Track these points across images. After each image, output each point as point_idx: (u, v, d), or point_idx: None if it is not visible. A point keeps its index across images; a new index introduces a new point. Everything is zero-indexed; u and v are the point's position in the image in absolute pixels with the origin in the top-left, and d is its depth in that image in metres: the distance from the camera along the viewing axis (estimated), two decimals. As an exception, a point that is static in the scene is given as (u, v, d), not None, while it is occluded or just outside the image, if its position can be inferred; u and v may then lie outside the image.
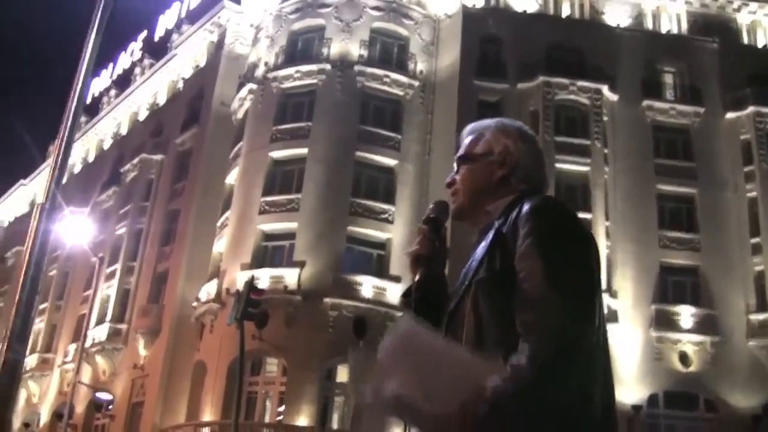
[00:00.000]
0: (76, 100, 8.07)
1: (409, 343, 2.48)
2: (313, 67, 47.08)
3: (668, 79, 47.72)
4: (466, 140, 3.05)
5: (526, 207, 2.61)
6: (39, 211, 7.41)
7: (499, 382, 2.31)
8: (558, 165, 42.29)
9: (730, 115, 45.37)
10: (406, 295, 3.02)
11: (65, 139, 7.87)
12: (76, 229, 43.60)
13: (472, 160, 2.98)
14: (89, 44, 8.33)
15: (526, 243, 2.52)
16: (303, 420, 39.46)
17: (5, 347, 6.74)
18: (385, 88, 46.91)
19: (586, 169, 42.93)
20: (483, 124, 3.07)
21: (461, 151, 3.03)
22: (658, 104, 45.89)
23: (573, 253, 2.50)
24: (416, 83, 47.26)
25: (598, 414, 2.44)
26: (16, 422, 59.14)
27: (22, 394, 60.02)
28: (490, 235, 2.70)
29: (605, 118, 44.59)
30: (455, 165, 3.04)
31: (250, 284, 28.84)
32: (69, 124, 7.94)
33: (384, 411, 2.51)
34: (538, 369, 2.31)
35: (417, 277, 2.97)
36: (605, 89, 44.89)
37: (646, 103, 45.63)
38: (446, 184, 3.04)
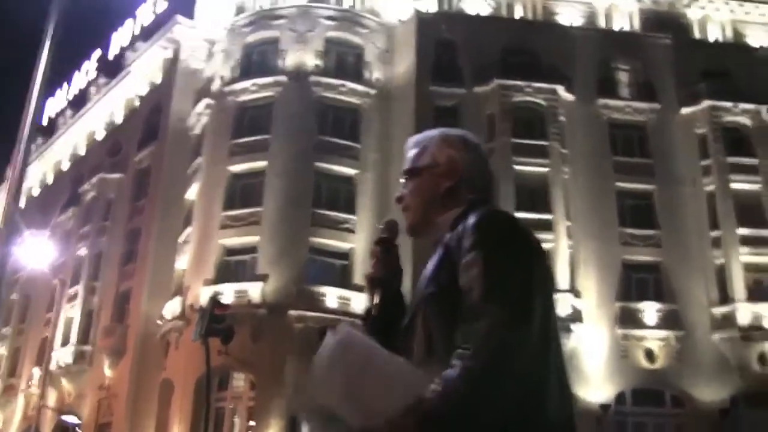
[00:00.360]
0: (29, 122, 7.96)
1: (344, 352, 2.46)
2: (269, 79, 47.00)
3: (623, 76, 47.93)
4: (410, 153, 3.03)
5: (470, 220, 2.61)
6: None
7: (429, 395, 2.32)
8: (516, 167, 42.55)
9: (685, 110, 45.64)
10: (365, 318, 2.99)
11: (20, 162, 7.76)
12: (35, 252, 43.21)
13: (417, 173, 2.96)
14: (41, 63, 8.24)
15: (468, 257, 2.51)
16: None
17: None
18: (342, 97, 46.90)
19: (545, 169, 43.12)
20: (426, 135, 3.07)
21: (406, 165, 3.01)
22: (613, 102, 46.13)
23: (513, 265, 2.49)
24: (373, 91, 47.27)
25: (541, 428, 2.42)
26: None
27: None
28: (439, 249, 2.70)
29: (562, 119, 44.74)
30: (402, 180, 3.02)
31: (214, 300, 28.50)
32: (23, 147, 7.82)
33: (317, 422, 2.50)
34: (467, 381, 2.31)
35: (375, 299, 2.96)
36: (561, 90, 45.07)
37: (601, 101, 45.88)
38: (396, 199, 3.02)
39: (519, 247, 2.56)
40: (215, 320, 27.25)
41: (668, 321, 41.19)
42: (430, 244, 2.86)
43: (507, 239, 2.56)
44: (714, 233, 42.80)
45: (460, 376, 2.31)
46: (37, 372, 50.70)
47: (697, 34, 50.80)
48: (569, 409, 2.57)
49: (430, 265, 2.72)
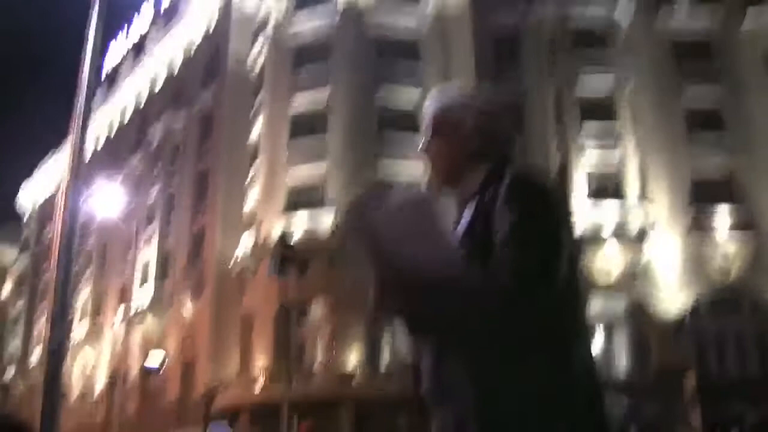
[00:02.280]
0: (88, 64, 8.06)
1: (419, 208, 2.55)
2: (324, 22, 47.00)
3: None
4: (432, 113, 2.98)
5: (506, 179, 2.64)
6: (63, 191, 7.47)
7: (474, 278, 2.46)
8: (581, 83, 42.14)
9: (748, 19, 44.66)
10: None
11: (82, 113, 7.88)
12: (108, 199, 43.91)
13: (444, 134, 2.91)
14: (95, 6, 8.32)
15: (503, 215, 2.57)
16: (353, 359, 39.89)
17: (49, 328, 6.89)
18: (399, 24, 46.75)
19: (609, 83, 42.61)
20: (446, 93, 3.02)
21: (430, 124, 2.96)
22: (674, 12, 45.16)
23: (545, 220, 2.56)
24: (429, 18, 46.94)
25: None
26: (76, 389, 60.19)
27: (78, 362, 60.95)
28: (472, 208, 2.74)
29: (623, 36, 44.08)
30: (426, 137, 2.97)
31: (284, 235, 29.22)
32: (83, 98, 7.94)
33: (358, 238, 2.56)
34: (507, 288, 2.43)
35: None
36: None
37: (662, 11, 44.97)
38: (422, 150, 2.98)
39: (550, 205, 2.61)
40: (287, 254, 27.92)
41: (743, 225, 40.75)
42: (457, 201, 2.89)
43: (538, 198, 2.60)
44: (784, 136, 42.10)
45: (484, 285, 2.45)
46: (121, 312, 51.77)
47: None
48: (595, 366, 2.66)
49: (464, 222, 2.75)
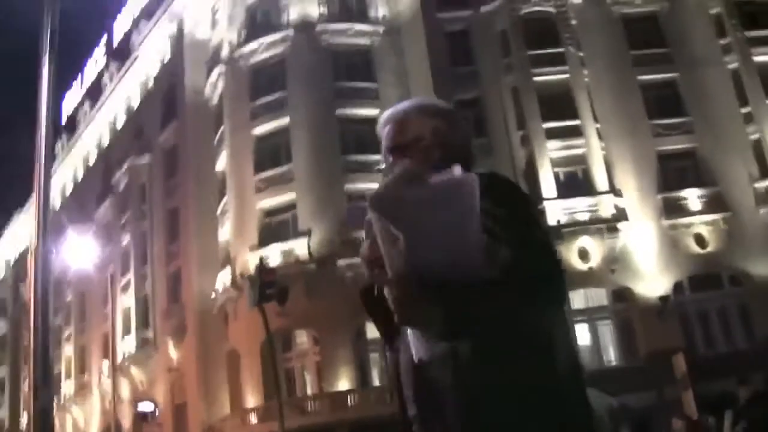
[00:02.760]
0: (44, 117, 7.94)
1: (456, 188, 2.51)
2: (277, 36, 46.98)
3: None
4: (388, 129, 2.99)
5: None
6: (33, 254, 7.36)
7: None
8: (536, 78, 42.31)
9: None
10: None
11: (43, 169, 7.75)
12: (81, 250, 43.66)
13: (404, 148, 2.92)
14: (45, 56, 8.21)
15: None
16: (344, 384, 39.85)
17: (32, 396, 6.78)
18: (351, 40, 46.90)
19: (565, 76, 42.79)
20: (400, 110, 3.02)
21: (389, 143, 2.97)
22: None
23: (524, 218, 2.59)
24: (381, 29, 47.13)
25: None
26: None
27: (69, 421, 60.50)
28: None
29: (574, 22, 44.27)
30: (386, 156, 2.98)
31: (260, 267, 29.15)
32: (43, 153, 7.82)
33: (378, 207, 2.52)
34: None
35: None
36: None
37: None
38: (385, 169, 2.99)
39: (523, 203, 2.66)
40: (266, 286, 27.84)
41: (713, 204, 41.06)
42: None
43: (510, 198, 2.63)
44: (744, 109, 42.38)
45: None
46: (106, 366, 51.46)
47: None
48: (578, 361, 2.71)
49: None
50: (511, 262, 2.42)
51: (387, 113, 3.04)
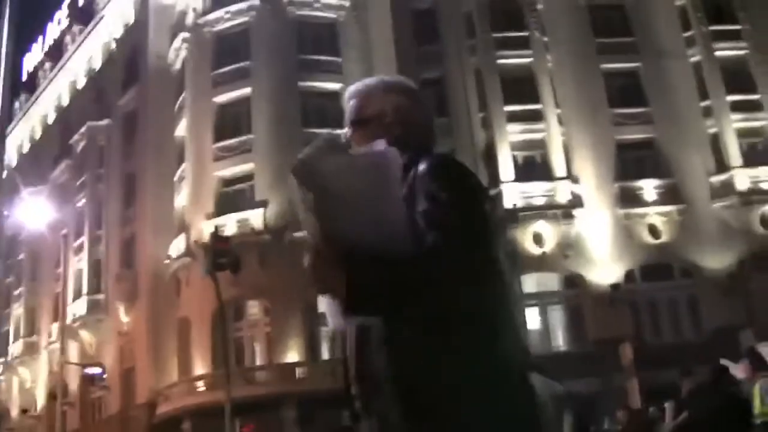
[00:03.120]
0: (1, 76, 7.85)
1: (375, 160, 2.56)
2: (242, 5, 46.62)
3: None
4: (352, 103, 3.03)
5: (421, 166, 2.66)
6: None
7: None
8: (500, 61, 42.41)
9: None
10: None
11: None
12: (35, 210, 43.39)
13: (365, 123, 2.97)
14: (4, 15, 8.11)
15: (422, 201, 2.57)
16: (293, 356, 39.89)
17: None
18: (317, 13, 46.72)
19: (528, 60, 42.90)
20: (366, 84, 3.07)
21: (352, 116, 3.01)
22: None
23: (462, 203, 2.57)
24: (347, 3, 46.91)
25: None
26: (14, 409, 59.41)
27: (15, 381, 60.14)
28: None
29: (540, 6, 44.33)
30: (348, 130, 3.02)
31: (215, 235, 29.08)
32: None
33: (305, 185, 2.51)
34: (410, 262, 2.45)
35: None
36: (535, -24, 44.56)
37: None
38: (347, 141, 3.01)
39: (468, 188, 2.65)
40: (219, 254, 27.76)
41: (668, 195, 41.37)
42: None
43: (456, 181, 2.63)
44: (704, 103, 42.65)
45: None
46: (55, 327, 51.17)
47: None
48: (523, 345, 2.75)
49: None
50: (430, 243, 2.44)
51: (353, 87, 3.10)
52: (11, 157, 67.21)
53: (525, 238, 39.50)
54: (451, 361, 2.47)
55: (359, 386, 2.69)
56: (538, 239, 39.74)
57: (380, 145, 2.64)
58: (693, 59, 43.51)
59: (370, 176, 2.48)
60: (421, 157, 2.72)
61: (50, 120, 66.24)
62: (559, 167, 40.87)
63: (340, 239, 2.45)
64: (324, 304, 2.65)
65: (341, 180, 2.45)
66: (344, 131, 3.05)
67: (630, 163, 42.24)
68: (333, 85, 44.47)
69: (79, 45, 62.66)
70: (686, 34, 43.95)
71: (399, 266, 2.43)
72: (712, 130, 42.22)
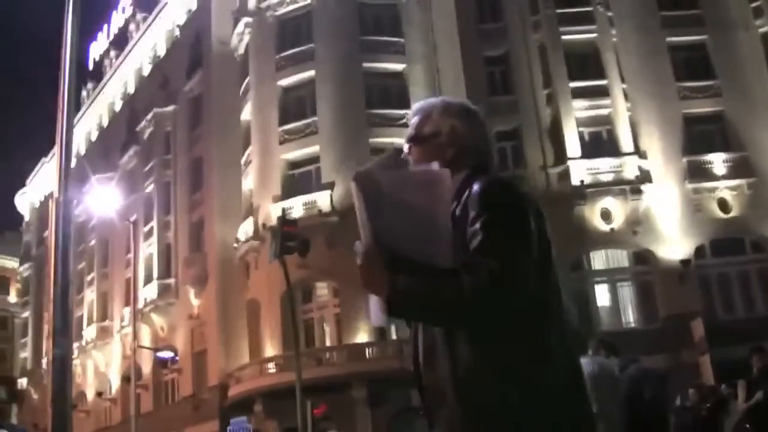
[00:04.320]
0: (68, 65, 7.93)
1: (427, 179, 2.73)
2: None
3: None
4: (414, 120, 3.14)
5: (474, 188, 2.76)
6: (54, 203, 7.38)
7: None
8: (564, 37, 41.99)
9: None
10: None
11: (65, 117, 7.75)
12: (104, 196, 44.01)
13: (422, 141, 3.06)
14: (69, 11, 8.19)
15: (474, 224, 2.68)
16: (362, 336, 40.06)
17: (51, 344, 6.88)
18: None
19: (593, 35, 42.44)
20: (429, 103, 3.17)
21: (410, 132, 3.11)
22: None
23: (513, 227, 2.68)
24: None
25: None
26: (90, 392, 60.43)
27: (90, 365, 61.16)
28: None
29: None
30: (406, 146, 3.11)
31: (283, 219, 29.18)
32: (65, 101, 7.81)
33: (361, 183, 2.71)
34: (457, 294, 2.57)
35: None
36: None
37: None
38: (405, 157, 3.13)
39: (519, 211, 2.72)
40: (287, 238, 27.83)
41: (738, 169, 40.66)
42: None
43: (509, 204, 2.73)
44: (774, 73, 41.96)
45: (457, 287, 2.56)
46: (127, 312, 51.91)
47: None
48: (574, 368, 2.81)
49: None
50: (482, 269, 2.55)
51: (417, 104, 3.20)
52: (80, 145, 68.23)
53: (593, 214, 39.23)
54: (506, 373, 2.63)
55: (427, 393, 2.86)
56: (606, 216, 39.41)
57: (435, 165, 2.80)
58: (762, 29, 42.71)
59: (422, 193, 2.66)
60: (475, 179, 2.81)
61: (117, 108, 67.02)
62: (626, 143, 40.42)
63: (388, 246, 2.65)
64: (371, 300, 2.83)
65: (396, 193, 2.64)
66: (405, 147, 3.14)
67: (698, 137, 41.60)
68: (396, 66, 44.53)
69: (144, 32, 63.27)
70: (753, 5, 43.07)
71: (438, 279, 2.59)
72: (783, 102, 41.49)
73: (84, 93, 71.51)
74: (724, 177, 40.65)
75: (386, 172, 2.70)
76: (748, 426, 13.46)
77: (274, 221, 34.65)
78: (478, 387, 2.62)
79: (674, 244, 39.32)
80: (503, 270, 2.53)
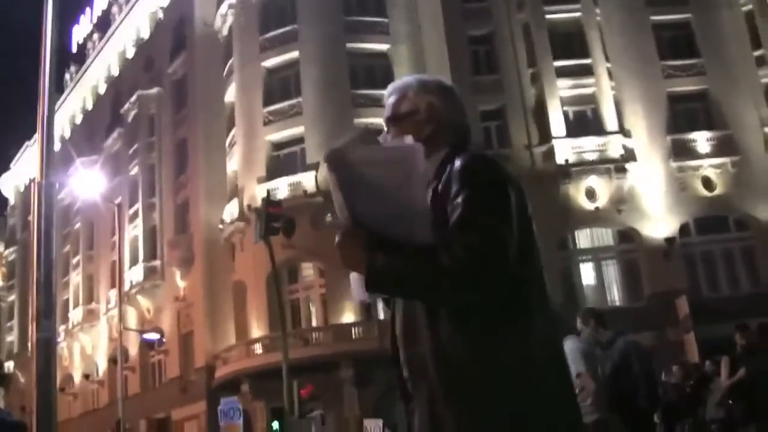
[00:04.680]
0: (48, 48, 7.90)
1: (406, 158, 2.68)
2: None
3: None
4: (390, 101, 3.12)
5: (456, 164, 2.75)
6: (37, 186, 7.38)
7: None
8: (548, 16, 41.97)
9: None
10: None
11: (46, 103, 7.74)
12: (89, 179, 43.91)
13: (399, 120, 3.06)
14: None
15: (456, 200, 2.67)
16: (349, 316, 40.13)
17: (35, 328, 6.88)
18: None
19: (577, 14, 42.40)
20: (404, 82, 3.16)
21: (387, 113, 3.10)
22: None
23: (495, 202, 2.67)
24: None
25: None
26: (77, 375, 60.41)
27: (76, 347, 61.12)
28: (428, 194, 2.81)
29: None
30: (384, 126, 3.12)
31: (267, 200, 29.15)
32: (47, 75, 7.78)
33: (334, 166, 2.70)
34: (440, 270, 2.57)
35: None
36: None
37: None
38: (384, 136, 3.14)
39: (500, 187, 2.72)
40: (272, 219, 27.82)
41: (722, 147, 40.77)
42: None
43: (490, 180, 2.72)
44: (757, 52, 41.97)
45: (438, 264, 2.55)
46: (113, 294, 51.88)
47: None
48: (555, 336, 2.84)
49: None
50: (464, 242, 2.55)
51: (392, 84, 3.19)
52: (64, 128, 67.98)
53: (578, 193, 39.33)
54: (487, 349, 2.62)
55: (408, 370, 2.85)
56: (590, 194, 39.50)
57: (408, 140, 2.81)
58: (745, 8, 42.77)
59: (395, 168, 2.64)
60: (456, 156, 2.80)
61: (101, 90, 66.70)
62: (610, 121, 40.49)
63: (366, 225, 2.65)
64: (352, 276, 2.84)
65: (369, 169, 2.63)
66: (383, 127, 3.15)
67: (682, 116, 41.72)
68: (380, 46, 44.48)
69: (127, 15, 62.91)
70: (738, -18, 43.17)
71: (417, 255, 2.59)
72: (766, 80, 41.58)
73: (67, 76, 71.28)
74: (708, 155, 40.77)
75: (358, 150, 2.68)
76: (731, 402, 13.58)
77: (259, 202, 34.57)
78: (460, 363, 2.61)
79: (659, 222, 39.46)
80: (483, 244, 2.53)
